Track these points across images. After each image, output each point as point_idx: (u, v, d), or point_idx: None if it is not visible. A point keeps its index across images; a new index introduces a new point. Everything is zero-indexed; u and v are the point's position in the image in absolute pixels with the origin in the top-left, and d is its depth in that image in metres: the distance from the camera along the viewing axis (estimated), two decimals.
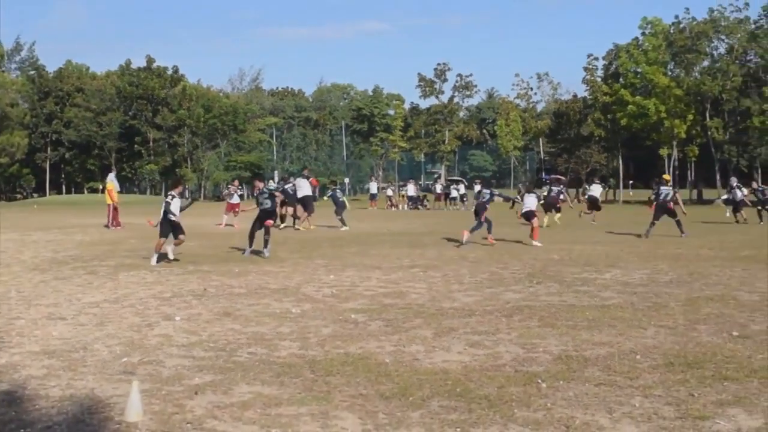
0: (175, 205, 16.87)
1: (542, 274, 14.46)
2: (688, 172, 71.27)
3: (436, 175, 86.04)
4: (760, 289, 12.45)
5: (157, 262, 16.15)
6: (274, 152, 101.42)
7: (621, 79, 77.14)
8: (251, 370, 7.30)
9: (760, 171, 66.76)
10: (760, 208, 33.03)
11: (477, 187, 24.22)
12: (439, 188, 57.69)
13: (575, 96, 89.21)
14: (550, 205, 30.95)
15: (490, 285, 12.97)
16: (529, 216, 22.32)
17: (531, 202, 22.99)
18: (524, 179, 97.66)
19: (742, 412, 5.92)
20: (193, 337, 8.77)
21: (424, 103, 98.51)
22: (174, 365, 7.50)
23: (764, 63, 70.65)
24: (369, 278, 13.87)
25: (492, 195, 22.80)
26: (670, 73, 75.65)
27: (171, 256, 16.38)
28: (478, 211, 21.84)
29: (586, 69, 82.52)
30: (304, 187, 27.92)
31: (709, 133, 73.17)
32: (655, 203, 25.38)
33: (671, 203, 25.15)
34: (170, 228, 16.77)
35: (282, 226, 27.35)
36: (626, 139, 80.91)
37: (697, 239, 23.78)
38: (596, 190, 34.44)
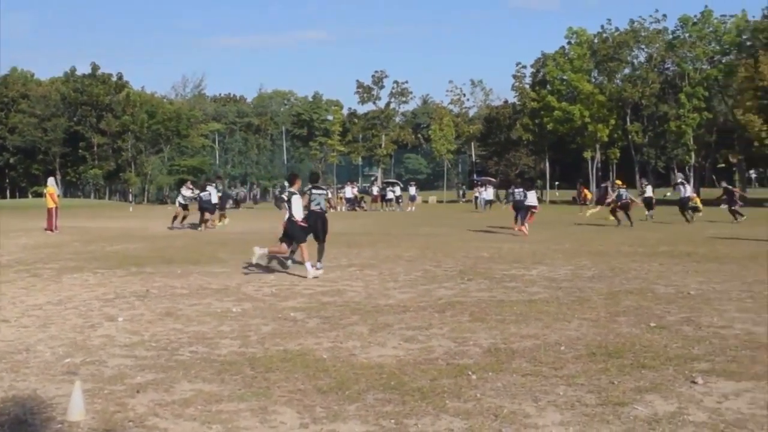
0: (297, 203, 14.56)
1: (473, 271, 14.58)
2: (610, 174, 72.45)
3: (373, 178, 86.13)
4: (675, 282, 12.74)
5: (317, 266, 14.26)
6: (217, 157, 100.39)
7: (548, 86, 78.22)
8: (192, 368, 7.22)
9: (676, 171, 68.20)
10: (732, 208, 33.71)
11: (517, 190, 26.81)
12: (375, 190, 57.87)
13: (505, 102, 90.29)
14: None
15: (423, 282, 13.03)
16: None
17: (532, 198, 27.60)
18: (457, 181, 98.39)
19: (659, 397, 6.04)
20: (136, 337, 8.64)
21: (362, 109, 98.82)
22: (116, 365, 7.37)
23: (680, 71, 72.39)
24: (307, 277, 13.81)
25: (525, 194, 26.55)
26: (593, 80, 76.98)
27: (254, 260, 14.48)
28: (519, 208, 25.86)
29: (515, 76, 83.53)
30: (213, 195, 29.57)
31: (629, 136, 74.69)
32: (618, 203, 29.98)
33: (630, 201, 30.02)
34: (298, 230, 14.44)
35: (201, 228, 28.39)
36: (553, 143, 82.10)
37: (618, 236, 24.24)
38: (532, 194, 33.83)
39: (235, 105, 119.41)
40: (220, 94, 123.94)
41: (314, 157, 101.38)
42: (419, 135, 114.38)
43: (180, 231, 27.83)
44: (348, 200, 54.99)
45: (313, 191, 15.23)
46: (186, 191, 30.30)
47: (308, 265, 13.95)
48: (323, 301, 11.03)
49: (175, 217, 29.39)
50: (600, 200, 32.04)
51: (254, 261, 14.37)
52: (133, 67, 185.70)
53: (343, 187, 61.64)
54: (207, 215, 29.20)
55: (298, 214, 14.37)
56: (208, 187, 29.93)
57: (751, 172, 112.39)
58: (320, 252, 14.94)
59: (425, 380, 6.63)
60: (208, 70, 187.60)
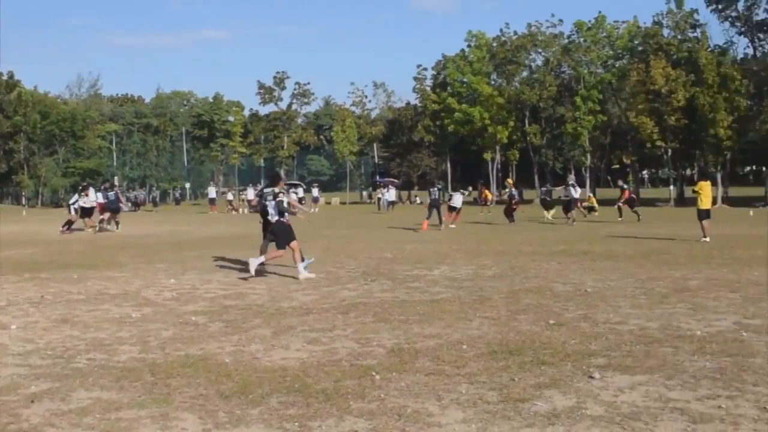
0: (284, 204, 14.44)
1: (376, 272, 14.64)
2: (510, 174, 73.85)
3: None
4: (573, 280, 13.08)
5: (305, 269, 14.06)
6: (114, 158, 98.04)
7: (449, 88, 79.25)
8: (90, 375, 7.02)
9: (573, 172, 70.04)
10: (631, 207, 34.65)
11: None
12: None
13: (407, 104, 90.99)
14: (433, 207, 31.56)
15: (327, 284, 13.02)
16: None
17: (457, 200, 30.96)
18: (359, 182, 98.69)
19: (558, 393, 6.19)
20: (30, 345, 8.34)
21: (263, 110, 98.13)
22: (9, 374, 7.11)
23: (576, 74, 74.35)
24: (209, 281, 13.64)
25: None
26: (493, 82, 78.37)
27: (252, 271, 13.84)
28: (435, 206, 29.28)
29: (416, 78, 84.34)
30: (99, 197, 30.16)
31: (528, 138, 76.29)
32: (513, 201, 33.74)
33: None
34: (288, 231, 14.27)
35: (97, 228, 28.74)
36: (454, 144, 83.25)
37: (518, 236, 24.74)
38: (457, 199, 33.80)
39: (132, 105, 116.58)
40: (117, 94, 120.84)
41: (215, 159, 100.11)
42: (322, 136, 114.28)
43: (71, 235, 27.06)
44: (250, 203, 54.31)
45: (266, 191, 15.16)
46: (84, 199, 29.65)
47: (301, 266, 13.95)
48: (225, 305, 10.90)
49: (70, 222, 28.64)
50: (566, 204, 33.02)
51: (252, 272, 13.79)
52: (25, 66, 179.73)
53: (244, 189, 60.98)
54: (106, 215, 28.97)
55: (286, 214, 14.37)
56: (94, 191, 30.09)
57: (644, 172, 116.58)
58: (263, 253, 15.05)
59: (329, 382, 6.62)
60: (104, 69, 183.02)
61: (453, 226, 30.17)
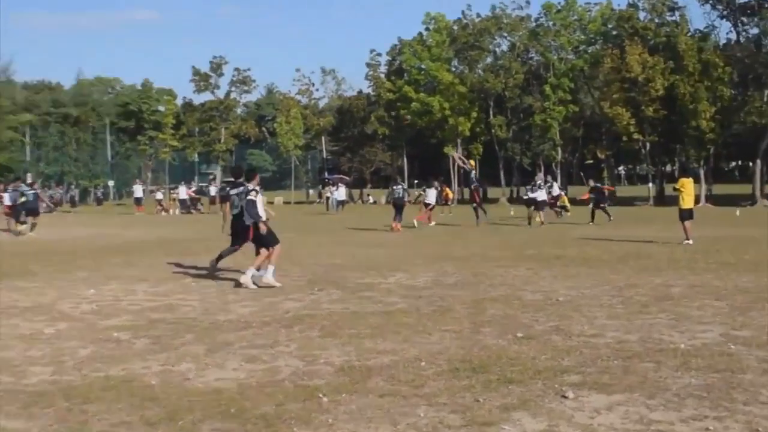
0: (259, 202, 14.42)
1: (324, 280, 14.55)
2: (473, 171, 74.28)
3: (211, 177, 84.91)
4: (543, 288, 13.12)
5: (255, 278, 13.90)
6: (28, 153, 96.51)
7: (405, 76, 79.49)
8: None
9: (542, 168, 70.68)
10: (600, 206, 34.35)
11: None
12: (213, 190, 56.90)
13: (359, 92, 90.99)
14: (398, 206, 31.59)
15: (268, 294, 12.89)
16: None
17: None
18: (306, 180, 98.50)
19: (527, 415, 6.14)
20: None
21: (198, 99, 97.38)
22: None
23: (545, 61, 75.08)
24: (134, 291, 13.43)
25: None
26: (454, 69, 78.76)
27: (250, 285, 13.74)
28: (399, 205, 30.44)
29: (369, 65, 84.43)
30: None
31: (492, 130, 76.76)
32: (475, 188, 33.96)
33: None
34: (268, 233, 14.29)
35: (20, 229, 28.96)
36: (411, 138, 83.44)
37: (482, 239, 24.82)
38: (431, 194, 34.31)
39: (50, 93, 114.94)
40: (32, 81, 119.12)
41: (143, 154, 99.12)
42: (263, 128, 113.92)
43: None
44: (182, 202, 54.06)
45: (232, 192, 15.16)
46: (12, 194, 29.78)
47: (271, 269, 13.96)
48: (152, 318, 10.71)
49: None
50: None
51: (250, 285, 13.67)
52: None
53: (176, 188, 60.43)
54: (31, 218, 28.83)
55: (262, 214, 14.30)
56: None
57: (620, 168, 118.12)
58: (223, 257, 15.49)
59: (270, 405, 6.50)
60: (18, 52, 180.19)
61: (433, 223, 32.47)
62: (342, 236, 27.17)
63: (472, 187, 35.31)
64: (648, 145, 66.37)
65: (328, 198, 59.97)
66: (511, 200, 72.77)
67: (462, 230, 30.23)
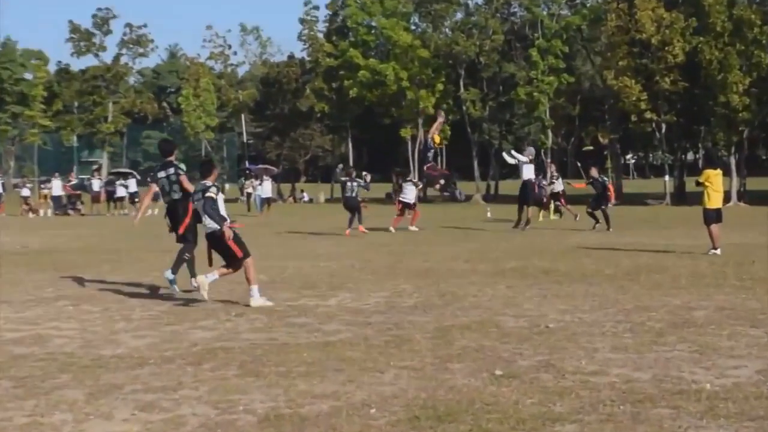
0: (221, 201, 14.71)
1: (244, 302, 14.49)
2: (439, 159, 74.33)
3: (95, 167, 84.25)
4: (529, 311, 13.17)
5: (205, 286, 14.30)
6: None
7: (350, 36, 79.44)
8: None
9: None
10: (600, 208, 34.32)
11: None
12: (98, 185, 56.47)
13: (291, 58, 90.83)
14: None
15: (170, 321, 12.82)
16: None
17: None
18: (221, 171, 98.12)
19: None
20: None
21: (77, 64, 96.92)
22: None
23: (531, 18, 75.48)
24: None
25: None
26: (414, 28, 78.98)
27: (204, 294, 14.25)
28: (352, 207, 31.18)
29: (303, 21, 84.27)
30: None
31: (464, 107, 77.02)
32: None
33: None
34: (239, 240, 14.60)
35: None
36: (358, 117, 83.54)
37: (449, 249, 24.89)
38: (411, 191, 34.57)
39: None
40: None
41: (3, 136, 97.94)
42: (164, 103, 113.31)
43: None
44: (56, 200, 53.61)
45: (160, 174, 15.69)
46: None
47: (255, 289, 14.25)
48: (15, 354, 10.60)
49: None
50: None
51: (205, 295, 14.11)
52: None
53: (48, 181, 59.82)
54: None
55: (224, 215, 14.48)
56: None
57: (629, 157, 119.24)
58: (183, 263, 16.07)
59: None
60: None
61: (414, 228, 32.94)
62: (268, 245, 27.08)
63: (434, 175, 34.89)
64: (664, 127, 67.01)
65: (249, 195, 59.79)
66: (488, 198, 73.16)
67: (424, 236, 30.28)
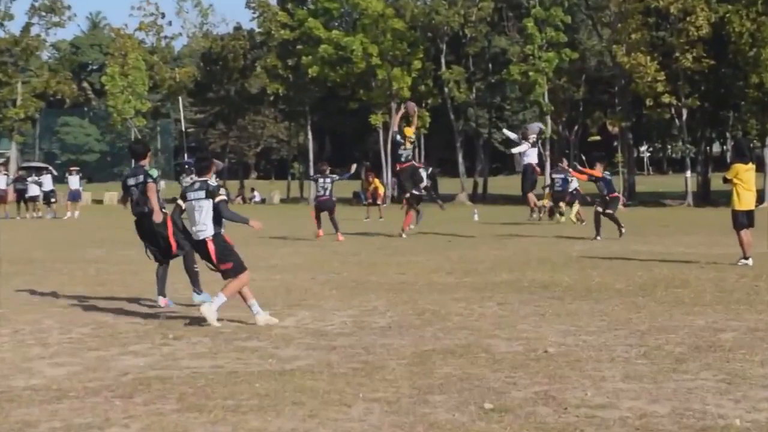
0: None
1: (183, 322, 14.50)
2: (416, 151, 74.36)
3: (1, 161, 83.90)
4: (524, 333, 13.22)
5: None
6: None
7: (309, 3, 79.29)
8: None
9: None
10: (606, 213, 34.16)
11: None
12: (4, 182, 56.17)
13: (238, 29, 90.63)
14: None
15: (95, 345, 12.80)
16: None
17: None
18: (155, 166, 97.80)
19: None
20: None
21: None
22: None
23: None
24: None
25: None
26: None
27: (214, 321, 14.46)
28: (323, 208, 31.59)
29: None
30: None
31: (446, 89, 77.04)
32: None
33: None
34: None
35: None
36: (319, 100, 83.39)
37: (429, 258, 24.92)
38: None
39: None
40: None
41: None
42: (85, 84, 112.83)
43: None
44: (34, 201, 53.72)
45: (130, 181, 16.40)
46: None
47: (221, 298, 14.37)
48: None
49: None
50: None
51: (214, 322, 14.19)
52: None
53: None
54: None
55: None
56: None
57: (643, 149, 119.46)
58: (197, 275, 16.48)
59: None
60: None
61: (412, 226, 33.25)
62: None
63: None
64: (685, 112, 67.26)
65: None
66: (475, 198, 73.20)
67: (399, 244, 30.29)
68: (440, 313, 15.13)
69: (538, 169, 33.23)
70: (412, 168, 32.67)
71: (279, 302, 16.59)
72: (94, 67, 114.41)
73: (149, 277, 20.79)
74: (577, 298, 16.84)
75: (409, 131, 32.07)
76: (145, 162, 16.49)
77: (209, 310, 14.11)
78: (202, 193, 14.64)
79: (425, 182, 33.35)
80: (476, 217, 44.04)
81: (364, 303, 16.46)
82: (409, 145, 32.12)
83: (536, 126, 34.29)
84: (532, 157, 32.13)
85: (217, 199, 14.59)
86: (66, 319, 15.01)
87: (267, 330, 13.80)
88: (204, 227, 14.55)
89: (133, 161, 16.89)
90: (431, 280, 19.71)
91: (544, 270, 21.49)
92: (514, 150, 32.95)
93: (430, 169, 36.57)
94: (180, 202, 15.02)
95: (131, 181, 16.25)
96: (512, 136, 33.28)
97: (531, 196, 32.59)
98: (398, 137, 31.71)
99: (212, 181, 14.96)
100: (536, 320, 14.41)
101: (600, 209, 32.03)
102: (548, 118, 74.94)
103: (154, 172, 16.43)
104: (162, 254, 16.50)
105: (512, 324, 14.06)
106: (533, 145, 32.32)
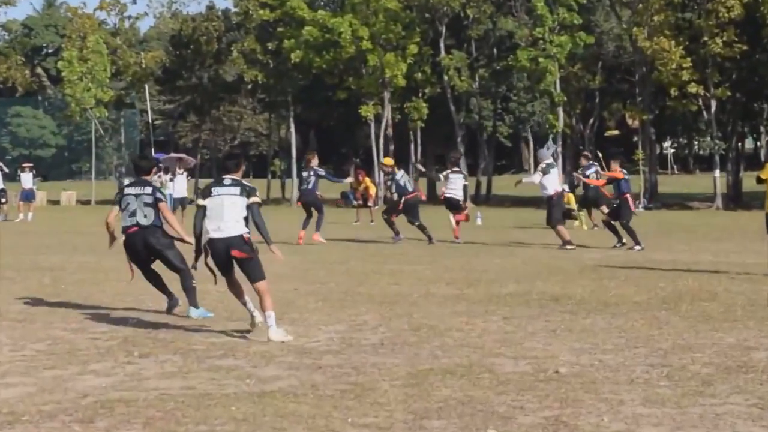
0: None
1: (150, 337, 14.50)
2: (412, 148, 74.41)
3: None
4: (533, 351, 13.24)
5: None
6: None
7: None
8: None
9: (532, 147, 71.19)
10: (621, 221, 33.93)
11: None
12: None
13: (211, 8, 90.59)
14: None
15: (51, 363, 12.78)
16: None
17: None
18: (117, 162, 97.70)
19: None
20: None
21: None
22: None
23: None
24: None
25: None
26: None
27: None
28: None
29: None
30: None
31: (445, 77, 77.01)
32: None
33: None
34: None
35: None
36: (303, 89, 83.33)
37: (426, 267, 24.94)
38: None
39: None
40: None
41: None
42: (39, 70, 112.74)
43: None
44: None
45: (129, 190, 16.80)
46: None
47: (271, 319, 14.58)
48: None
49: None
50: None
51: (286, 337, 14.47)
52: None
53: None
54: None
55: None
56: None
57: (666, 145, 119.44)
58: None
59: None
60: None
61: (457, 240, 33.42)
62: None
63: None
64: (714, 104, 67.26)
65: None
66: (479, 199, 73.19)
67: (392, 250, 30.30)
68: (439, 329, 15.15)
69: (566, 193, 33.24)
70: (417, 200, 33.85)
71: (257, 315, 16.60)
72: (50, 51, 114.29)
73: (111, 287, 20.83)
74: (592, 312, 16.87)
75: (389, 161, 33.00)
76: (149, 178, 17.09)
77: (276, 333, 14.35)
78: (237, 190, 15.03)
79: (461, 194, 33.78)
80: (479, 221, 44.06)
81: (353, 317, 16.48)
82: (398, 170, 32.70)
83: (546, 151, 33.60)
84: (550, 185, 31.14)
85: (253, 200, 15.06)
86: (17, 334, 14.99)
87: (245, 347, 13.81)
88: (237, 223, 14.90)
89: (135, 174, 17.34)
90: (429, 292, 19.72)
91: (555, 281, 21.51)
92: (526, 180, 33.11)
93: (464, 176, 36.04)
94: (201, 201, 15.24)
95: (132, 190, 16.52)
96: (535, 180, 32.53)
97: (562, 229, 31.06)
98: (387, 167, 32.82)
99: (246, 182, 15.40)
100: (546, 337, 14.44)
101: (609, 217, 32.15)
102: (560, 110, 74.74)
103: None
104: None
105: (519, 341, 14.09)
106: (544, 171, 31.24)
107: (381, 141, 77.08)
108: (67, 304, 18.45)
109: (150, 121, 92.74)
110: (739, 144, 77.28)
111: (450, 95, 77.05)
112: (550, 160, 32.23)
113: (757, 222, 24.50)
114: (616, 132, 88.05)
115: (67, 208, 70.21)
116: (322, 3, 78.12)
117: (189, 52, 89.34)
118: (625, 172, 32.12)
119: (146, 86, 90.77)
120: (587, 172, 36.60)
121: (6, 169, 61.80)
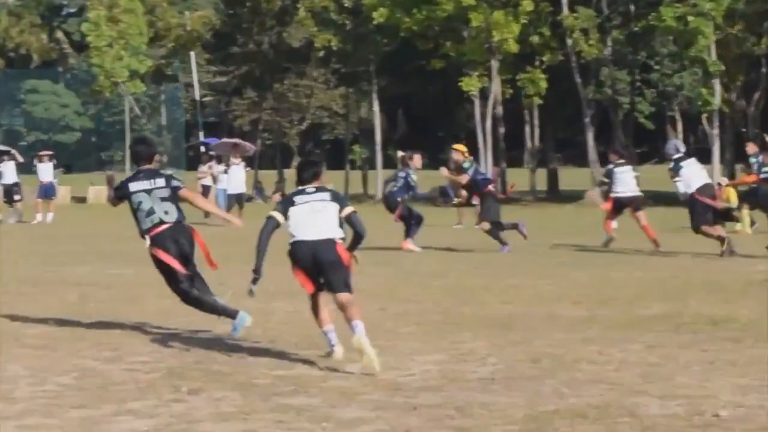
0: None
1: (203, 369, 14.58)
2: (527, 130, 74.28)
3: None
4: (686, 389, 13.17)
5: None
6: None
7: None
8: None
9: (681, 130, 70.91)
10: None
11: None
12: None
13: None
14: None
15: (80, 401, 12.85)
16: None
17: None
18: (160, 149, 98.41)
19: None
20: None
21: None
22: None
23: None
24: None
25: None
26: None
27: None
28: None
29: None
30: None
31: (569, 42, 76.97)
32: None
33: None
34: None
35: None
36: (389, 58, 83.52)
37: (547, 282, 24.93)
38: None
39: None
40: None
41: None
42: (59, 34, 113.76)
43: None
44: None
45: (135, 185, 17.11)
46: None
47: (360, 329, 14.83)
48: None
49: None
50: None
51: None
52: None
53: None
54: None
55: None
56: None
57: None
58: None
59: None
60: None
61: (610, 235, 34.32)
62: (242, 272, 27.18)
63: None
64: None
65: (207, 188, 59.85)
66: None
67: (503, 261, 30.32)
68: (565, 360, 15.13)
69: (723, 187, 33.15)
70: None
71: (338, 351, 16.63)
72: (72, 11, 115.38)
73: (152, 305, 20.98)
74: (761, 340, 16.77)
75: (459, 147, 33.22)
76: (151, 166, 17.26)
77: (366, 342, 14.56)
78: (327, 195, 15.38)
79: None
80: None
81: (456, 345, 16.50)
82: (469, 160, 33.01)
83: (671, 145, 33.52)
84: (690, 182, 30.96)
85: (349, 210, 15.39)
86: (38, 365, 15.13)
87: (320, 381, 13.85)
88: (331, 228, 15.18)
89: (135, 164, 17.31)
90: (551, 313, 19.72)
91: (713, 300, 21.39)
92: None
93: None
94: (275, 214, 15.45)
95: (138, 185, 16.56)
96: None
97: (707, 229, 30.65)
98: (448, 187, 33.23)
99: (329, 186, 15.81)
100: (702, 371, 14.37)
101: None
102: (716, 83, 74.33)
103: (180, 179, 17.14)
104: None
105: (668, 376, 14.02)
106: (674, 170, 31.49)
107: (488, 122, 76.95)
108: (98, 326, 18.59)
109: (197, 98, 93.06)
110: None
111: (575, 64, 76.91)
112: (678, 154, 31.87)
113: None
114: None
115: (94, 207, 70.90)
116: None
117: (245, 10, 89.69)
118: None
119: (192, 54, 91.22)
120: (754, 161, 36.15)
121: (20, 159, 62.11)
